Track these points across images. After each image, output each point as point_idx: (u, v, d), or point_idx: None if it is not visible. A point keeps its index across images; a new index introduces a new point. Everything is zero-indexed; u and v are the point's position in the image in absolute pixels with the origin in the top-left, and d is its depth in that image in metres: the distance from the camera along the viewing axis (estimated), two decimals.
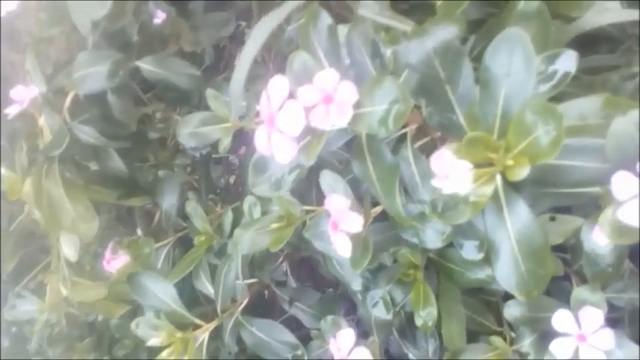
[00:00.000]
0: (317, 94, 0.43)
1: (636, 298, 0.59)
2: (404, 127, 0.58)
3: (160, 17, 0.95)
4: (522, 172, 0.41)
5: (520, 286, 0.44)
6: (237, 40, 1.00)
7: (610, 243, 0.51)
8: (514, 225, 0.44)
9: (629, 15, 0.53)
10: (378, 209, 0.62)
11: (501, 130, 0.43)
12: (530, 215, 0.44)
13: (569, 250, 0.69)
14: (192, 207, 0.78)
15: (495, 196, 0.45)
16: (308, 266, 0.90)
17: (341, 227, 0.55)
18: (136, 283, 0.70)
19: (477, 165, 0.44)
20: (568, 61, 0.48)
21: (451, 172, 0.40)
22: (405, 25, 0.51)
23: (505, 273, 0.45)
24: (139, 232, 0.89)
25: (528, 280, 0.44)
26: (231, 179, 1.05)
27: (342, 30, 0.61)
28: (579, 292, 0.56)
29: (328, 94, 0.43)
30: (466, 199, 0.43)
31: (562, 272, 0.66)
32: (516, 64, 0.41)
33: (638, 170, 0.42)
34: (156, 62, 0.72)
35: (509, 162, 0.42)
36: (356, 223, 0.55)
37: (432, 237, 0.56)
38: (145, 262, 0.81)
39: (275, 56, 0.80)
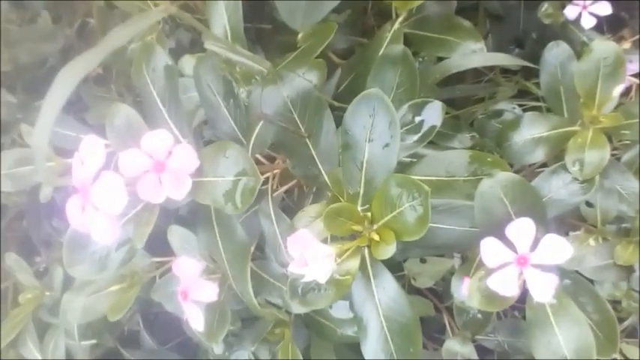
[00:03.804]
0: (145, 161, 0.34)
1: (506, 340, 0.58)
2: (263, 173, 0.51)
3: None
4: (389, 250, 0.36)
5: None
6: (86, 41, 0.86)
7: None
8: (382, 299, 0.40)
9: (493, 59, 0.52)
10: None
11: (366, 197, 0.38)
12: (398, 289, 0.39)
13: (440, 287, 0.68)
14: (14, 260, 0.64)
15: (363, 268, 0.40)
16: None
17: (192, 296, 0.47)
18: None
19: (341, 238, 0.38)
20: (434, 113, 0.45)
21: (311, 259, 0.33)
22: (260, 64, 0.44)
23: (374, 350, 0.40)
24: None
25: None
26: None
27: (189, 61, 0.53)
28: (451, 344, 0.54)
29: (160, 161, 0.34)
30: (330, 277, 0.37)
31: (433, 313, 0.64)
32: (379, 129, 0.36)
33: (506, 235, 0.39)
34: None
35: (375, 236, 0.37)
36: (209, 291, 0.47)
37: None
38: None
39: (117, 76, 0.69)
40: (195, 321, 0.47)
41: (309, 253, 0.34)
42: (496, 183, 0.40)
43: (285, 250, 0.46)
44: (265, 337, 0.57)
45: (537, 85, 0.69)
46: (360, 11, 0.75)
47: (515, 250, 0.39)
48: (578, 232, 0.56)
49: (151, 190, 0.34)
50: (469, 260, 0.52)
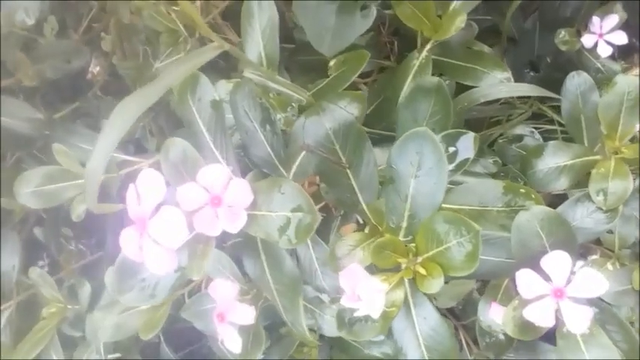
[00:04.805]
0: (202, 195, 0.35)
1: None
2: None
3: None
4: (435, 284, 0.37)
5: None
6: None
7: None
8: (423, 329, 0.41)
9: (519, 90, 0.53)
10: None
11: (409, 229, 0.39)
12: (439, 319, 0.41)
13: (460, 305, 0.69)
14: (38, 274, 0.64)
15: (404, 298, 0.41)
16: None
17: (228, 319, 0.48)
18: None
19: (385, 270, 0.39)
20: (467, 144, 0.46)
21: (364, 294, 0.34)
22: (298, 93, 0.45)
23: None
24: None
25: None
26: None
27: (225, 87, 0.53)
28: None
29: (216, 195, 0.35)
30: None
31: (453, 332, 0.66)
32: (426, 166, 0.37)
33: (542, 267, 0.40)
34: None
35: (421, 270, 0.38)
36: (246, 314, 0.47)
37: (331, 324, 0.51)
38: None
39: None
40: (232, 343, 0.47)
41: (362, 288, 0.35)
42: (533, 216, 0.41)
43: (321, 275, 0.48)
44: (292, 354, 0.58)
45: (552, 108, 0.71)
46: (376, 31, 0.77)
47: (550, 282, 0.40)
48: (595, 257, 0.58)
49: (207, 223, 0.35)
50: (495, 285, 0.53)
